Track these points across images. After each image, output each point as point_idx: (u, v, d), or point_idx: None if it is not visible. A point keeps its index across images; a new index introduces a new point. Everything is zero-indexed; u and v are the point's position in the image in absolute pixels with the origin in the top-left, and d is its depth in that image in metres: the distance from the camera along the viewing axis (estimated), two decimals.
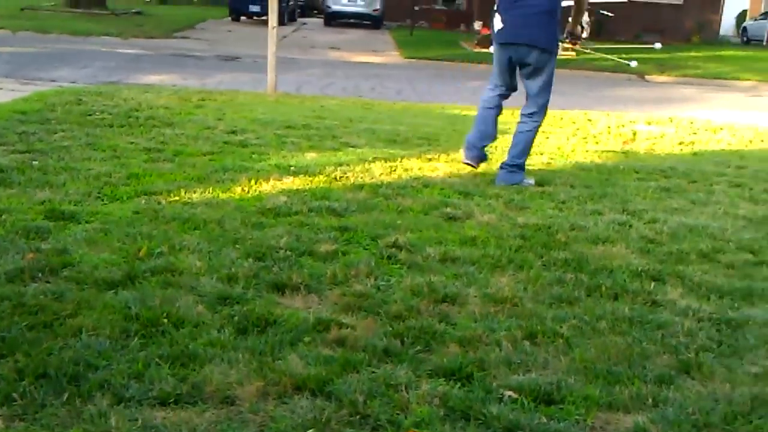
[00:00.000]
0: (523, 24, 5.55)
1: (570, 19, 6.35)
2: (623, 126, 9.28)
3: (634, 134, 8.70)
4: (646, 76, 18.36)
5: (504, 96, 5.94)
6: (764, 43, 32.64)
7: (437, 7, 32.21)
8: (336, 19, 28.58)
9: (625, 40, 25.11)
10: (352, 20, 28.53)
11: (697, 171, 6.45)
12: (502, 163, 5.81)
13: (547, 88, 5.75)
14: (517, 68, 5.74)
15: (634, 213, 4.97)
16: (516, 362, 2.80)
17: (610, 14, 5.89)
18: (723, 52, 24.63)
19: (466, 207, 4.88)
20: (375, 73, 15.96)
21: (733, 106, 13.47)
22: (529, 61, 5.61)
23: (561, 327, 3.12)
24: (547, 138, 8.04)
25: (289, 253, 3.76)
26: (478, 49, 21.43)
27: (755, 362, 2.93)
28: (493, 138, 5.96)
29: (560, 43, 6.05)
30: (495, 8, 5.74)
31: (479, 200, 5.11)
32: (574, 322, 3.18)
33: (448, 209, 4.78)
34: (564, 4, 5.85)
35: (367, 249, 3.96)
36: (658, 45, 5.85)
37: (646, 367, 2.83)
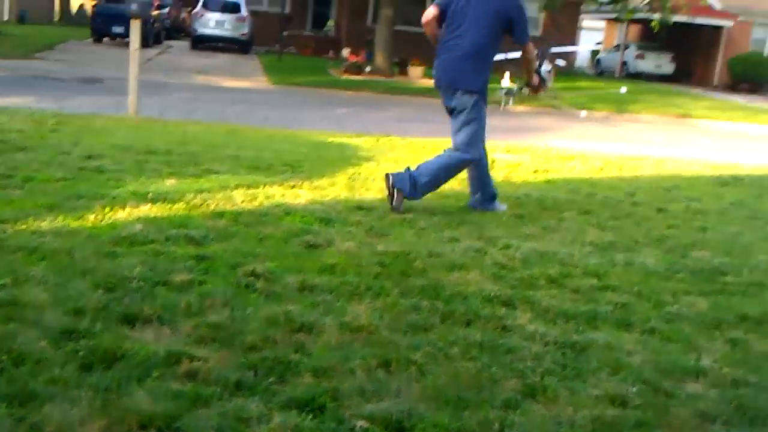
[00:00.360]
0: (447, 68, 5.83)
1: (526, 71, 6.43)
2: None
3: (493, 162, 8.96)
4: (506, 106, 19.03)
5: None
6: (616, 75, 34.42)
7: (306, 33, 32.34)
8: (203, 43, 28.19)
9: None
10: (219, 44, 28.22)
11: (549, 198, 6.72)
12: (407, 169, 5.90)
13: (465, 127, 5.84)
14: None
15: (489, 240, 5.12)
16: (369, 391, 2.83)
17: (563, 63, 5.98)
18: (578, 83, 25.79)
19: (327, 234, 4.90)
20: (242, 98, 15.85)
21: (587, 136, 14.12)
22: (453, 104, 5.83)
23: (415, 354, 3.17)
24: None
25: (142, 283, 3.67)
26: (345, 76, 21.65)
27: (597, 385, 3.06)
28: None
29: (523, 90, 6.29)
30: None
31: (340, 227, 5.15)
32: (427, 349, 3.24)
33: (309, 237, 4.79)
34: (513, 55, 6.04)
35: (224, 278, 3.91)
36: (561, 62, 6.14)
37: (494, 392, 2.91)
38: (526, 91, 6.64)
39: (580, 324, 3.66)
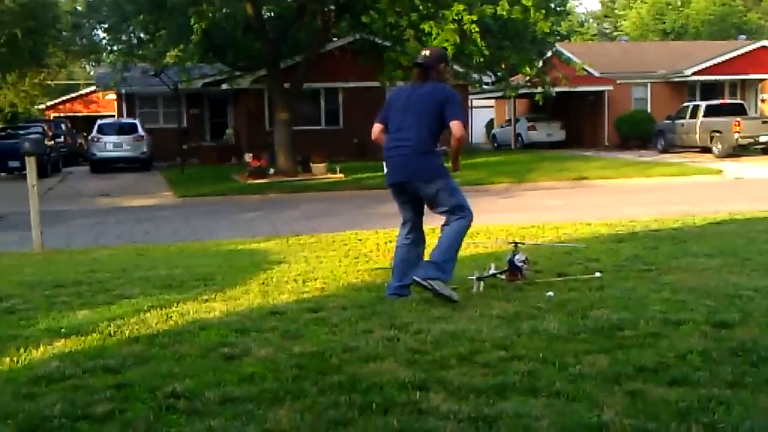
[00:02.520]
0: (402, 168, 6.17)
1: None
2: (390, 241, 9.83)
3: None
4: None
5: (414, 230, 6.48)
6: (512, 147, 35.68)
7: (206, 144, 32.63)
8: (103, 166, 28.13)
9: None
10: (120, 165, 28.20)
11: (456, 277, 6.97)
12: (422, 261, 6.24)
13: (451, 198, 6.17)
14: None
15: (401, 327, 5.31)
16: None
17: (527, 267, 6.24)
18: (477, 159, 26.66)
19: (244, 344, 5.01)
20: (149, 216, 15.87)
21: (489, 209, 14.62)
22: (427, 192, 6.18)
23: None
24: (321, 262, 8.38)
25: (64, 420, 3.71)
26: (250, 181, 21.90)
27: None
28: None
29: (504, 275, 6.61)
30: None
31: (256, 335, 5.26)
32: None
33: (226, 349, 4.89)
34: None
35: (145, 403, 3.98)
36: (550, 294, 6.23)
37: None
38: (502, 277, 6.76)
39: (491, 397, 3.86)
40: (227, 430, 3.55)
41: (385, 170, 6.37)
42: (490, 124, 44.18)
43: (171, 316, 5.88)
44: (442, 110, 6.02)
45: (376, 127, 6.37)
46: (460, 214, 6.22)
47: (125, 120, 30.47)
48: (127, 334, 5.38)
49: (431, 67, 6.18)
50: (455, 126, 5.98)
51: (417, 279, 5.98)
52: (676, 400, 3.66)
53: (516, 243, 7.00)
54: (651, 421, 3.43)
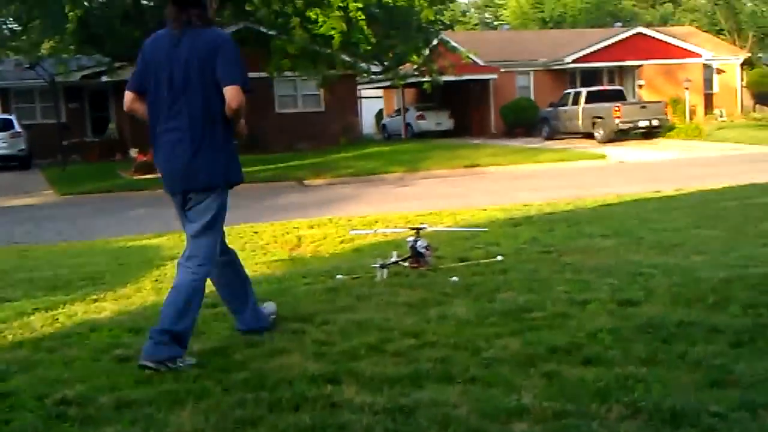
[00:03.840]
0: (171, 165, 4.48)
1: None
2: (288, 233, 9.62)
3: (299, 239, 9.05)
4: (305, 181, 19.27)
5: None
6: (403, 137, 35.84)
7: (88, 140, 31.40)
8: None
9: (280, 150, 26.27)
10: None
11: (359, 266, 6.83)
12: (150, 330, 4.33)
13: (203, 234, 4.53)
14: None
15: (305, 318, 5.11)
16: None
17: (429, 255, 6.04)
18: (369, 150, 26.64)
19: (138, 344, 4.68)
20: (29, 216, 15.10)
21: (387, 200, 14.57)
22: (187, 207, 4.55)
23: None
24: None
25: None
26: (137, 176, 21.16)
27: None
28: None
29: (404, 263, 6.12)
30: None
31: None
32: None
33: (119, 351, 4.59)
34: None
35: (33, 412, 3.66)
36: (455, 279, 5.88)
37: None
38: (405, 264, 6.52)
39: (405, 386, 3.71)
40: None
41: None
42: (379, 115, 44.27)
43: (58, 319, 5.51)
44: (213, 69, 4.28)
45: (128, 97, 4.51)
46: (196, 264, 4.45)
47: (0, 116, 28.95)
48: (10, 339, 4.99)
49: (191, 2, 4.36)
50: (231, 93, 4.28)
51: (147, 363, 4.18)
52: (593, 379, 3.61)
53: (418, 229, 6.90)
54: (571, 403, 3.36)
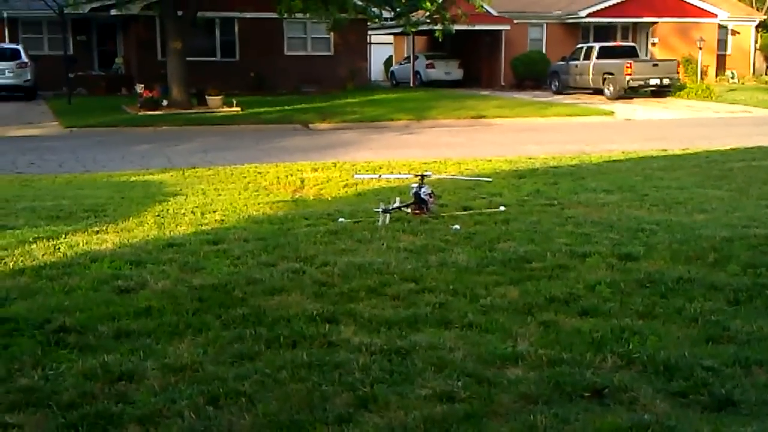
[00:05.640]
0: None
1: None
2: (291, 175, 9.59)
3: (302, 182, 9.03)
4: (310, 125, 19.17)
5: None
6: (411, 85, 35.55)
7: (94, 73, 31.16)
8: None
9: (286, 92, 26.09)
10: (2, 93, 26.62)
11: (361, 211, 6.82)
12: None
13: None
14: None
15: (306, 259, 5.13)
16: (199, 431, 2.75)
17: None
18: (376, 96, 26.42)
19: (139, 277, 4.73)
20: (33, 147, 15.04)
21: (391, 146, 14.49)
22: None
23: (243, 385, 3.13)
24: (219, 195, 8.07)
25: None
26: (142, 112, 21.04)
27: (425, 385, 3.14)
28: None
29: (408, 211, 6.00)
30: None
31: (153, 268, 4.98)
32: (256, 378, 3.20)
33: (120, 282, 4.62)
34: None
35: (32, 338, 3.70)
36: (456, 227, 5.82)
37: (327, 409, 2.91)
38: (408, 210, 6.47)
39: (403, 329, 3.74)
40: (124, 366, 3.31)
41: None
42: (388, 62, 43.84)
43: (59, 248, 5.52)
44: None
45: None
46: None
47: (7, 45, 28.65)
48: (11, 266, 5.01)
49: None
50: None
51: None
52: (589, 330, 3.63)
53: (422, 176, 6.87)
54: (566, 352, 3.39)
